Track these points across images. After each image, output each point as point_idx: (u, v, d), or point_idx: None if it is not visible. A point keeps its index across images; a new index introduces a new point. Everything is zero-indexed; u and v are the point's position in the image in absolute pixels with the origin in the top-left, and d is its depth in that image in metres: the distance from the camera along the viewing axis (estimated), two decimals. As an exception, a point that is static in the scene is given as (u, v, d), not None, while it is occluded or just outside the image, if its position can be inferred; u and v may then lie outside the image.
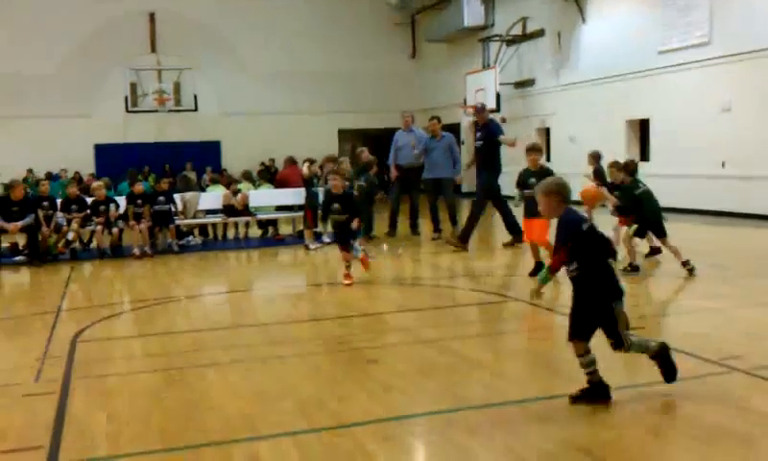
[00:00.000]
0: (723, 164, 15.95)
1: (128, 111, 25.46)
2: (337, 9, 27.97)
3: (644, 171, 18.11)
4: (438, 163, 13.51)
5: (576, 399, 4.64)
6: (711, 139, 15.99)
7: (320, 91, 27.77)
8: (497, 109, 22.69)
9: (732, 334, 6.39)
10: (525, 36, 22.86)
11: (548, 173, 8.54)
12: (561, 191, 4.78)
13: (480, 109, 12.92)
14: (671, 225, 9.50)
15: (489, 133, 12.21)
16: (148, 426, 4.63)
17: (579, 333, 4.66)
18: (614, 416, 4.53)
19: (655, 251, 10.05)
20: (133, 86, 25.34)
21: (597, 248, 4.66)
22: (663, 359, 4.77)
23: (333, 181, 9.43)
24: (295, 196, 14.36)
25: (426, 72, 28.50)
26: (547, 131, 22.30)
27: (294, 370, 5.83)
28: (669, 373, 4.77)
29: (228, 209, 14.29)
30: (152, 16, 26.67)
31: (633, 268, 9.14)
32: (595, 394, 4.64)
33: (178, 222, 13.61)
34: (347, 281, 9.18)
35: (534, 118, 22.60)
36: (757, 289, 8.30)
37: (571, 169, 20.43)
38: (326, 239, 13.19)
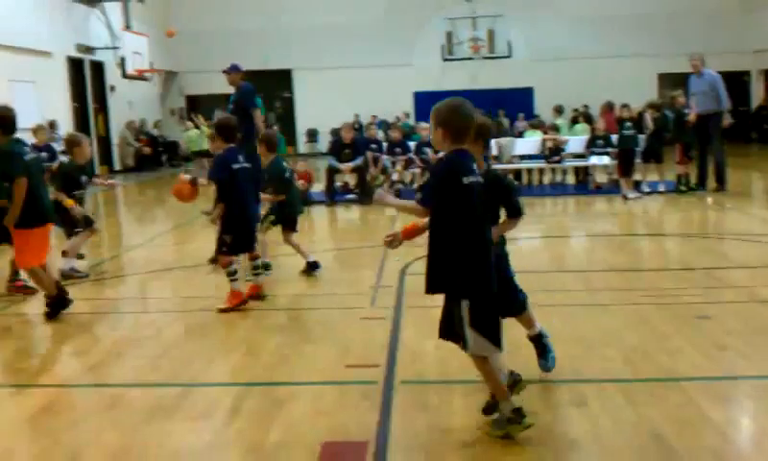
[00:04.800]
0: None
1: (444, 60, 26.34)
2: (660, -56, 26.19)
3: None
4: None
5: None
6: None
7: (636, 33, 26.31)
8: None
9: None
10: None
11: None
12: None
13: (232, 69, 11.05)
14: None
15: (239, 98, 10.52)
16: (474, 358, 4.82)
17: None
18: None
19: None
20: (449, 35, 26.13)
21: None
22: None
23: None
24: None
25: (763, 9, 25.69)
26: None
27: (616, 318, 5.69)
28: None
29: (545, 156, 14.27)
30: (467, -37, 27.13)
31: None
32: None
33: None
34: None
35: None
36: None
37: None
38: (646, 188, 12.62)
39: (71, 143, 7.92)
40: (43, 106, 17.38)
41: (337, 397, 4.25)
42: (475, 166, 3.63)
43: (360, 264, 8.29)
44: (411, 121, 24.34)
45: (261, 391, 4.40)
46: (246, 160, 6.36)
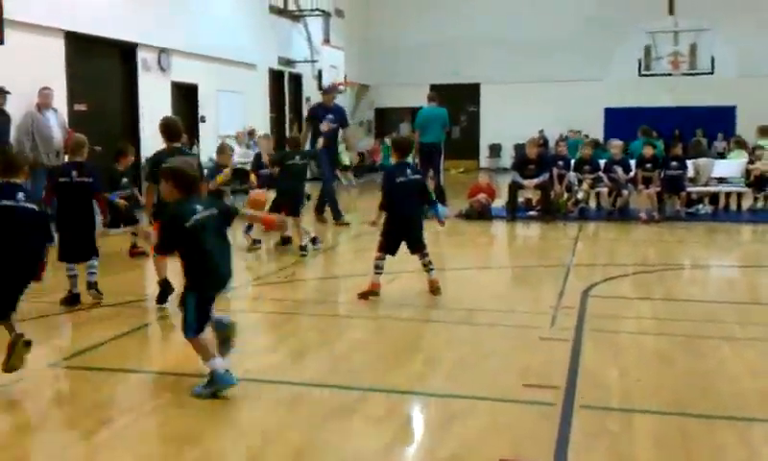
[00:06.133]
0: None
1: (640, 75, 25.35)
2: None
3: None
4: None
5: None
6: None
7: None
8: None
9: None
10: None
11: None
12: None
13: (329, 89, 13.08)
14: None
15: (341, 118, 12.39)
16: (660, 388, 4.61)
17: None
18: None
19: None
20: (647, 50, 25.13)
21: None
22: None
23: None
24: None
25: None
26: None
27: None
28: None
29: (749, 183, 13.41)
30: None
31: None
32: None
33: (689, 189, 13.18)
34: None
35: None
36: None
37: None
38: None
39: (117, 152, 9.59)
40: (247, 115, 18.63)
41: (515, 415, 4.20)
42: None
43: (539, 283, 8.16)
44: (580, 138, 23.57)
45: (438, 402, 4.44)
46: (413, 173, 7.17)
